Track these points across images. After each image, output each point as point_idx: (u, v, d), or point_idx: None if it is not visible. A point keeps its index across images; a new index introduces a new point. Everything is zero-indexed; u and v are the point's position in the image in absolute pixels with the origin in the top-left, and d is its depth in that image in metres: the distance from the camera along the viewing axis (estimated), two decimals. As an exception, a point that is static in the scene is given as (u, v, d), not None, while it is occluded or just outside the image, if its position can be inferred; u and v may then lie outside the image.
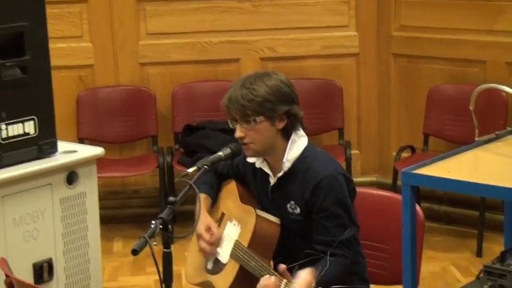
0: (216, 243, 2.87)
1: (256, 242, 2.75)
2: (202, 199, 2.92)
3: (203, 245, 2.86)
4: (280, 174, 2.78)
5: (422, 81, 5.19)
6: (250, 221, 2.78)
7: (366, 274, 2.87)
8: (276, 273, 2.58)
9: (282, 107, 2.69)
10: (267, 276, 2.57)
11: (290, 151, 2.75)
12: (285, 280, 2.50)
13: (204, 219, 2.87)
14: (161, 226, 2.45)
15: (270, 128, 2.71)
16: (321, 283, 2.50)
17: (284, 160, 2.75)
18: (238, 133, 2.72)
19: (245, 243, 2.77)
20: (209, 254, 2.89)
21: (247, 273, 2.71)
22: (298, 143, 2.76)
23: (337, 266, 2.64)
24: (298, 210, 2.76)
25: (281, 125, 2.72)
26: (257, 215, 2.78)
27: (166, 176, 5.06)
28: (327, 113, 5.27)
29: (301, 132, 2.79)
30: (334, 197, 2.68)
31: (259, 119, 2.68)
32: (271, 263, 2.79)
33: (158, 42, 5.27)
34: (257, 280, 2.66)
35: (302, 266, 2.57)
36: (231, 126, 2.76)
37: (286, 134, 2.75)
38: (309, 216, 2.73)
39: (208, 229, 2.86)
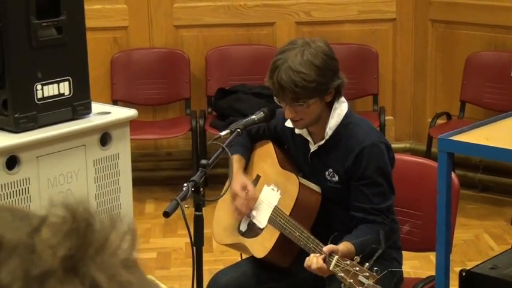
0: (252, 202, 2.84)
1: (298, 210, 2.73)
2: (237, 160, 2.89)
3: (239, 203, 2.82)
4: (322, 142, 2.75)
5: (460, 48, 5.11)
6: (293, 189, 2.75)
7: (398, 241, 2.85)
8: (321, 243, 2.55)
9: (333, 83, 2.66)
10: (317, 254, 2.52)
11: (332, 119, 2.72)
12: (336, 256, 2.47)
13: (239, 179, 2.84)
14: (193, 189, 2.45)
15: (319, 104, 2.68)
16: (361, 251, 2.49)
17: (327, 129, 2.72)
18: (288, 114, 2.67)
19: (286, 211, 2.73)
20: (243, 214, 2.85)
21: (287, 240, 2.69)
22: (340, 109, 2.73)
23: (377, 232, 2.60)
24: (336, 178, 2.73)
25: (329, 98, 2.70)
26: (300, 183, 2.75)
27: (199, 139, 5.07)
28: (362, 79, 5.22)
29: (341, 98, 2.75)
30: (376, 166, 2.66)
31: (311, 101, 2.65)
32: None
33: (193, 4, 5.23)
34: (297, 249, 2.65)
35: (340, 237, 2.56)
36: (277, 102, 2.72)
37: (331, 103, 2.72)
38: (347, 184, 2.71)
39: (244, 188, 2.83)
